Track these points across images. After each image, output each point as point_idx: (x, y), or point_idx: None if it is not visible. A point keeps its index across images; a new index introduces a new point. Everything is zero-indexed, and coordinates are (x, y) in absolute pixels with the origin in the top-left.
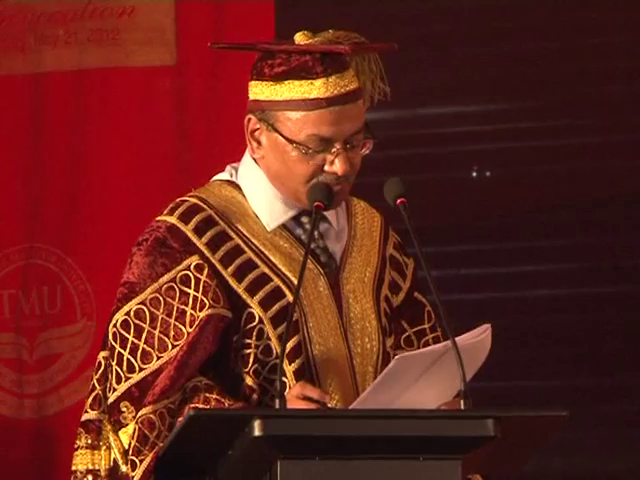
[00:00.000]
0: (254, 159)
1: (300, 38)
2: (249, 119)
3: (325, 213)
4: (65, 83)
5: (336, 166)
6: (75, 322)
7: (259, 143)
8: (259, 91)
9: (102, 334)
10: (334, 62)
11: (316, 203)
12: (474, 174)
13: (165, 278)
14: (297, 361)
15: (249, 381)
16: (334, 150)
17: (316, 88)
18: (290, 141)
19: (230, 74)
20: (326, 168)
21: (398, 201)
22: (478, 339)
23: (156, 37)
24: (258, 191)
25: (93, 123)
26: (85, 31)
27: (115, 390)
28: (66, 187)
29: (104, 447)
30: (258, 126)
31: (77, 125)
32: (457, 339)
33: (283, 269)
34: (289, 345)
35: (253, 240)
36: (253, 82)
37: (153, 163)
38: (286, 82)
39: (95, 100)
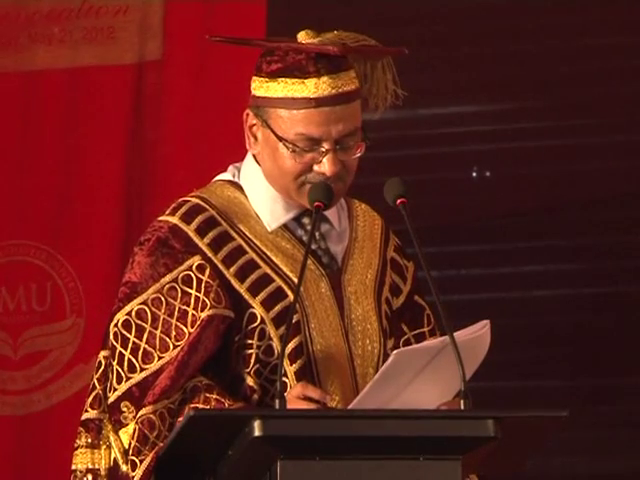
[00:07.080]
0: (253, 156)
1: (303, 37)
2: (247, 114)
3: (327, 214)
4: (58, 81)
5: (324, 166)
6: (64, 319)
7: (255, 138)
8: (256, 87)
9: (91, 331)
10: (330, 63)
11: (316, 203)
12: (474, 174)
13: (167, 278)
14: (298, 361)
15: (250, 381)
16: (323, 150)
17: (307, 88)
18: (280, 139)
19: (216, 72)
20: (315, 168)
21: (398, 201)
22: (477, 335)
23: (149, 36)
24: (259, 191)
25: (85, 120)
26: (80, 29)
27: (116, 390)
28: (57, 185)
29: (104, 446)
30: (254, 121)
31: (69, 122)
32: (455, 334)
33: (285, 270)
34: (290, 345)
35: (255, 240)
36: (253, 77)
37: (144, 160)
38: (280, 80)
39: (88, 97)
